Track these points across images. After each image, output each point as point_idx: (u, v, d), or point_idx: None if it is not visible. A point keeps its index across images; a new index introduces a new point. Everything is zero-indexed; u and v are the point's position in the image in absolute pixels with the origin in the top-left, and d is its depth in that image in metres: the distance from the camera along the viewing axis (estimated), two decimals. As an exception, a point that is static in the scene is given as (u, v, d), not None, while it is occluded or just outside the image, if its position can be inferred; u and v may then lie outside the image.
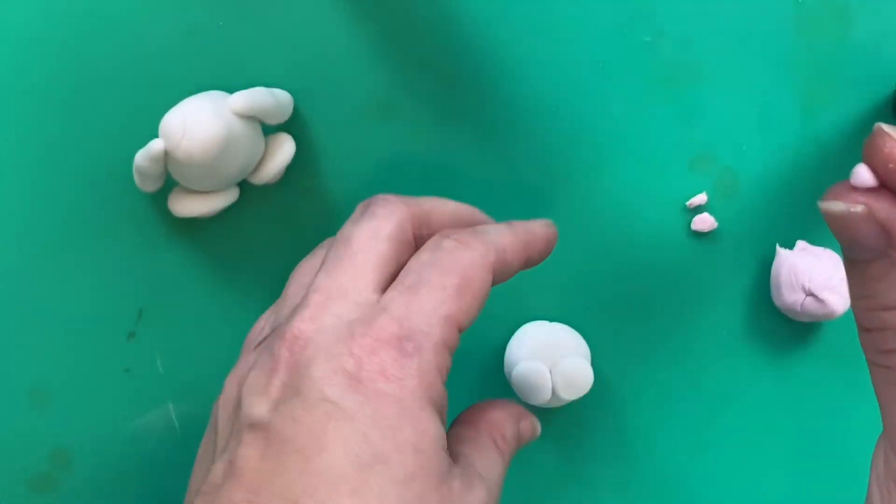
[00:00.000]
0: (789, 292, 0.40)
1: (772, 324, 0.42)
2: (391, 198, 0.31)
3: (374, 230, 0.30)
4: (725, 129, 0.41)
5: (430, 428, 0.26)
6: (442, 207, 0.32)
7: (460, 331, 0.28)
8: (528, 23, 0.41)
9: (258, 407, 0.27)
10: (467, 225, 0.32)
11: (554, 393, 0.40)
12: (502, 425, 0.32)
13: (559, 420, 0.43)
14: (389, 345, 0.26)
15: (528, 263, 0.31)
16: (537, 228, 0.32)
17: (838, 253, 0.41)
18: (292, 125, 0.42)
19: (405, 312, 0.27)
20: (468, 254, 0.29)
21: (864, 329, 0.24)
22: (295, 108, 0.42)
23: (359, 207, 0.32)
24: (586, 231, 0.42)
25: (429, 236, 0.30)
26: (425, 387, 0.26)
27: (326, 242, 0.34)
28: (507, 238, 0.30)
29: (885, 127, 0.22)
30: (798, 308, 0.40)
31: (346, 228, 0.31)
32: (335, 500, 0.24)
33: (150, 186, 0.40)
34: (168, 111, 0.38)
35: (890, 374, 0.24)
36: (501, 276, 0.30)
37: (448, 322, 0.28)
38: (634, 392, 0.43)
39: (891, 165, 0.22)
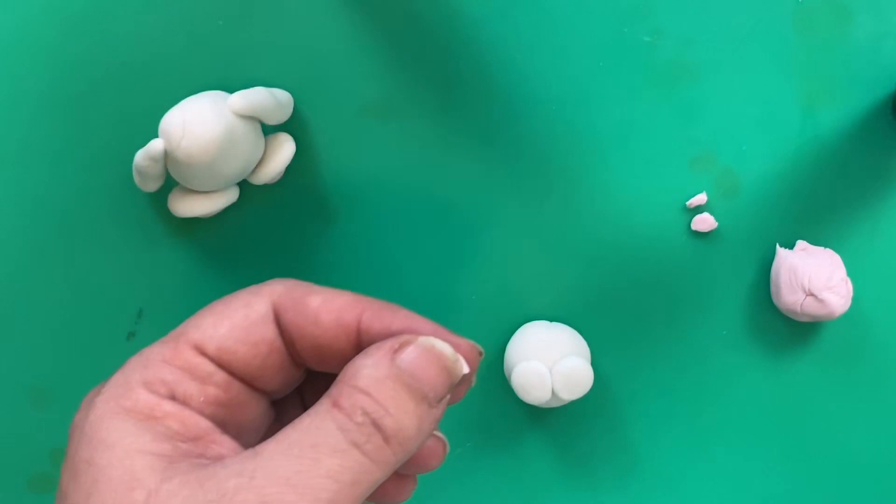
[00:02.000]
0: (789, 292, 0.40)
1: (771, 324, 0.43)
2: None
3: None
4: (725, 129, 0.41)
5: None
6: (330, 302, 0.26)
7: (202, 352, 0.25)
8: (527, 23, 0.41)
9: None
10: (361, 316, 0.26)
11: (554, 393, 0.40)
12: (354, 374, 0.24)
13: (559, 420, 0.43)
14: None
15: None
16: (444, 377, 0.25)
17: (838, 253, 0.41)
18: (292, 125, 0.42)
19: None
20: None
21: None
22: (295, 108, 0.42)
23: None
24: (586, 231, 0.42)
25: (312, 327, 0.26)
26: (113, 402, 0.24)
27: None
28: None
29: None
30: (798, 308, 0.40)
31: None
32: None
33: (150, 186, 0.40)
34: (168, 111, 0.38)
35: None
36: None
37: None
38: (634, 392, 0.43)
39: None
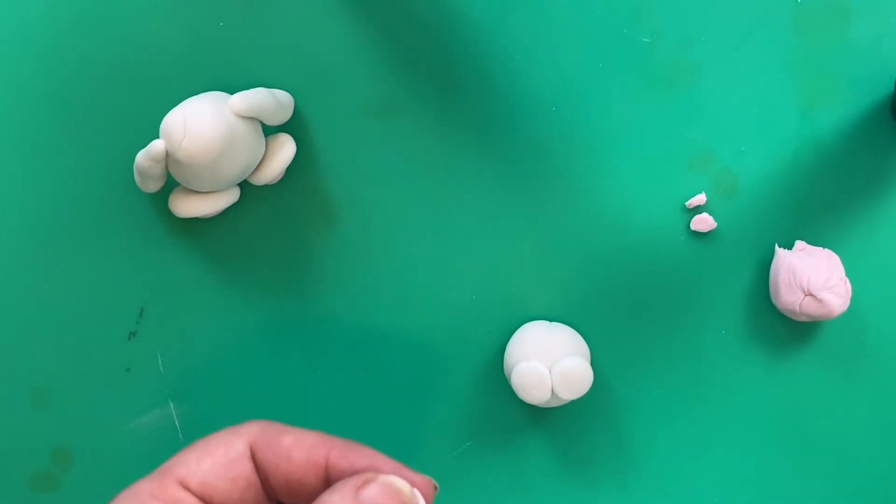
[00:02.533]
0: (788, 292, 0.40)
1: (770, 324, 0.43)
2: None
3: None
4: (724, 129, 0.42)
5: None
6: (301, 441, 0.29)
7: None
8: (527, 23, 0.41)
9: None
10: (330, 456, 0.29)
11: (553, 393, 0.40)
12: None
13: (559, 420, 0.43)
14: None
15: None
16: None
17: (837, 253, 0.41)
18: (293, 126, 0.42)
19: None
20: None
21: None
22: (295, 109, 0.42)
23: None
24: (586, 231, 0.42)
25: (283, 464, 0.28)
26: None
27: None
28: None
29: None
30: (797, 308, 0.40)
31: None
32: None
33: (151, 187, 0.40)
34: (169, 112, 0.38)
35: None
36: None
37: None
38: (634, 392, 0.43)
39: None
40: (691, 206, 0.42)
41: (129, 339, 0.43)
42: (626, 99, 0.42)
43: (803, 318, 0.41)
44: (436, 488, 0.28)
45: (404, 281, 0.43)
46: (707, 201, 0.42)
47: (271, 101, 0.39)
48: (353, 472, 0.27)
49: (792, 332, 0.43)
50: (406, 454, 0.44)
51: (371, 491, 0.26)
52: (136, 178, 0.39)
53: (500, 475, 0.44)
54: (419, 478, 0.28)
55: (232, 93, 0.39)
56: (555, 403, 0.40)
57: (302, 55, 0.42)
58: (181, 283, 0.43)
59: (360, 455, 0.28)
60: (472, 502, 0.44)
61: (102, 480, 0.44)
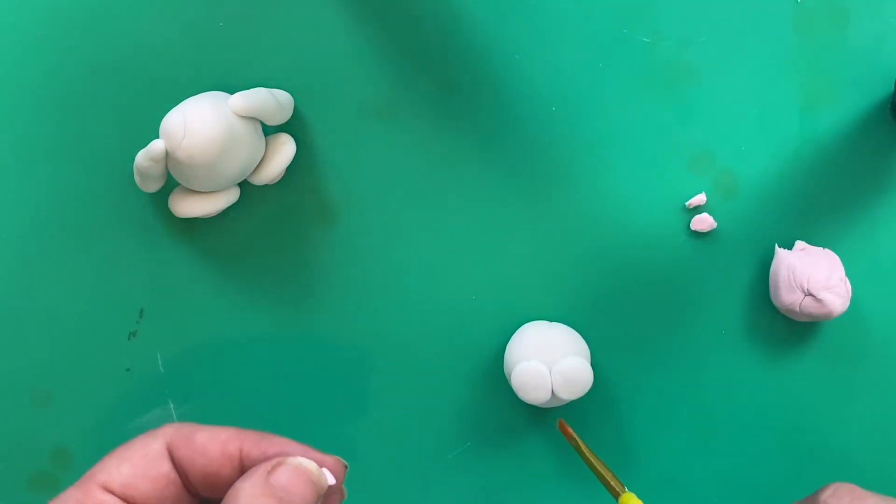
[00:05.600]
0: (788, 292, 0.40)
1: (770, 324, 0.43)
2: None
3: None
4: (724, 129, 0.42)
5: None
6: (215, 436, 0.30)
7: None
8: (527, 24, 0.41)
9: None
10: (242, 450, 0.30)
11: (553, 393, 0.40)
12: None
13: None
14: None
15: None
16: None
17: (837, 253, 0.41)
18: (293, 126, 0.42)
19: None
20: None
21: None
22: (295, 109, 0.42)
23: None
24: (586, 231, 0.42)
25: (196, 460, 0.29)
26: None
27: None
28: None
29: None
30: (796, 308, 0.40)
31: None
32: None
33: (151, 187, 0.40)
34: (169, 112, 0.38)
35: None
36: None
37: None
38: (634, 392, 0.43)
39: None
40: (691, 206, 0.42)
41: (129, 339, 0.43)
42: (626, 99, 0.42)
43: (803, 318, 0.41)
44: (346, 467, 0.30)
45: (404, 281, 0.43)
46: (707, 201, 0.42)
47: (271, 101, 0.39)
48: (265, 460, 0.28)
49: (792, 332, 0.43)
50: (406, 454, 0.44)
51: (281, 474, 0.27)
52: (136, 178, 0.39)
53: (500, 475, 0.44)
54: (329, 458, 0.29)
55: (232, 93, 0.39)
56: (555, 403, 0.40)
57: (302, 55, 0.42)
58: (181, 283, 0.43)
59: (271, 443, 0.29)
60: (471, 502, 0.44)
61: (102, 480, 0.44)
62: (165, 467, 0.29)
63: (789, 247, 0.42)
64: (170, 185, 0.40)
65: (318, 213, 0.43)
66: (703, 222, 0.42)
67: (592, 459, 0.38)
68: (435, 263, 0.43)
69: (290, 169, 0.42)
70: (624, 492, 0.37)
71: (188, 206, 0.40)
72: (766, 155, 0.42)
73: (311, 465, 0.28)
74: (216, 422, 0.44)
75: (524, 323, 0.43)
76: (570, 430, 0.39)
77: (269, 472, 0.27)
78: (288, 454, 0.29)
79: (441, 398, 0.43)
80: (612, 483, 0.37)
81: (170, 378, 0.43)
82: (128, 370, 0.43)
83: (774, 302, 0.42)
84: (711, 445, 0.43)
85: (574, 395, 0.40)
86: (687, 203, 0.42)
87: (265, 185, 0.42)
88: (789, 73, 0.41)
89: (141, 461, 0.29)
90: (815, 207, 0.42)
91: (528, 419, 0.44)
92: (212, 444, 0.29)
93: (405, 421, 0.44)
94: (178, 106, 0.38)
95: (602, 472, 0.37)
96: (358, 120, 0.42)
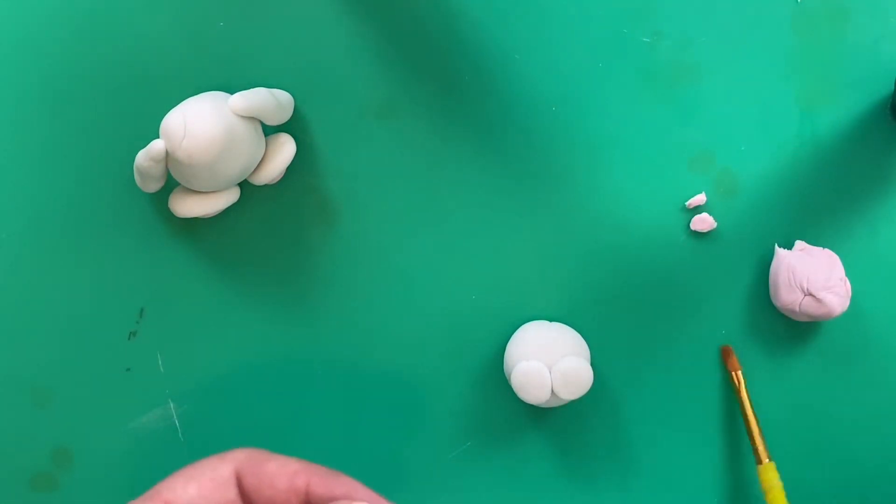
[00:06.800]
0: (788, 292, 0.40)
1: (770, 323, 0.43)
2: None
3: None
4: (724, 129, 0.42)
5: None
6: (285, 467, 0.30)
7: None
8: (527, 24, 0.41)
9: None
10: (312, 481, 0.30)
11: (553, 393, 0.40)
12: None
13: (559, 420, 0.43)
14: None
15: None
16: None
17: (837, 253, 0.41)
18: (293, 126, 0.42)
19: None
20: None
21: None
22: (295, 109, 0.42)
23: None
24: (586, 231, 0.42)
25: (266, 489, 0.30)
26: None
27: None
28: None
29: None
30: (796, 308, 0.40)
31: None
32: None
33: (152, 187, 0.40)
34: (169, 112, 0.38)
35: None
36: None
37: None
38: (634, 392, 0.43)
39: None
40: (691, 206, 0.42)
41: (129, 339, 0.43)
42: (625, 99, 0.42)
43: (803, 318, 0.41)
44: None
45: (404, 281, 0.43)
46: (707, 201, 0.42)
47: (271, 101, 0.39)
48: (331, 499, 0.29)
49: (791, 331, 0.43)
50: (407, 454, 0.44)
51: None
52: (136, 178, 0.39)
53: (500, 475, 0.44)
54: None
55: (232, 93, 0.39)
56: (555, 403, 0.40)
57: (302, 55, 0.42)
58: (181, 283, 0.43)
59: (339, 483, 0.29)
60: (472, 502, 0.44)
61: (102, 480, 0.44)
62: (231, 494, 0.29)
63: (789, 247, 0.42)
64: (170, 185, 0.41)
65: (318, 213, 0.43)
66: (703, 222, 0.42)
67: (749, 411, 0.38)
68: (435, 263, 0.43)
69: (290, 169, 0.42)
70: (767, 460, 0.37)
71: (188, 206, 0.40)
72: (766, 155, 0.42)
73: None
74: (217, 421, 0.44)
75: (524, 323, 0.43)
76: (736, 361, 0.38)
77: None
78: (353, 498, 0.29)
79: (441, 398, 0.43)
80: (758, 447, 0.38)
81: (170, 378, 0.43)
82: (128, 370, 0.43)
83: (774, 302, 0.42)
84: (710, 444, 0.43)
85: (574, 395, 0.40)
86: (687, 203, 0.42)
87: (265, 185, 0.42)
88: (789, 73, 0.41)
89: (209, 484, 0.29)
90: (815, 207, 0.42)
91: (528, 419, 0.44)
92: (281, 475, 0.29)
93: (405, 421, 0.44)
94: (178, 106, 0.38)
95: (754, 430, 0.38)
96: (358, 120, 0.42)
